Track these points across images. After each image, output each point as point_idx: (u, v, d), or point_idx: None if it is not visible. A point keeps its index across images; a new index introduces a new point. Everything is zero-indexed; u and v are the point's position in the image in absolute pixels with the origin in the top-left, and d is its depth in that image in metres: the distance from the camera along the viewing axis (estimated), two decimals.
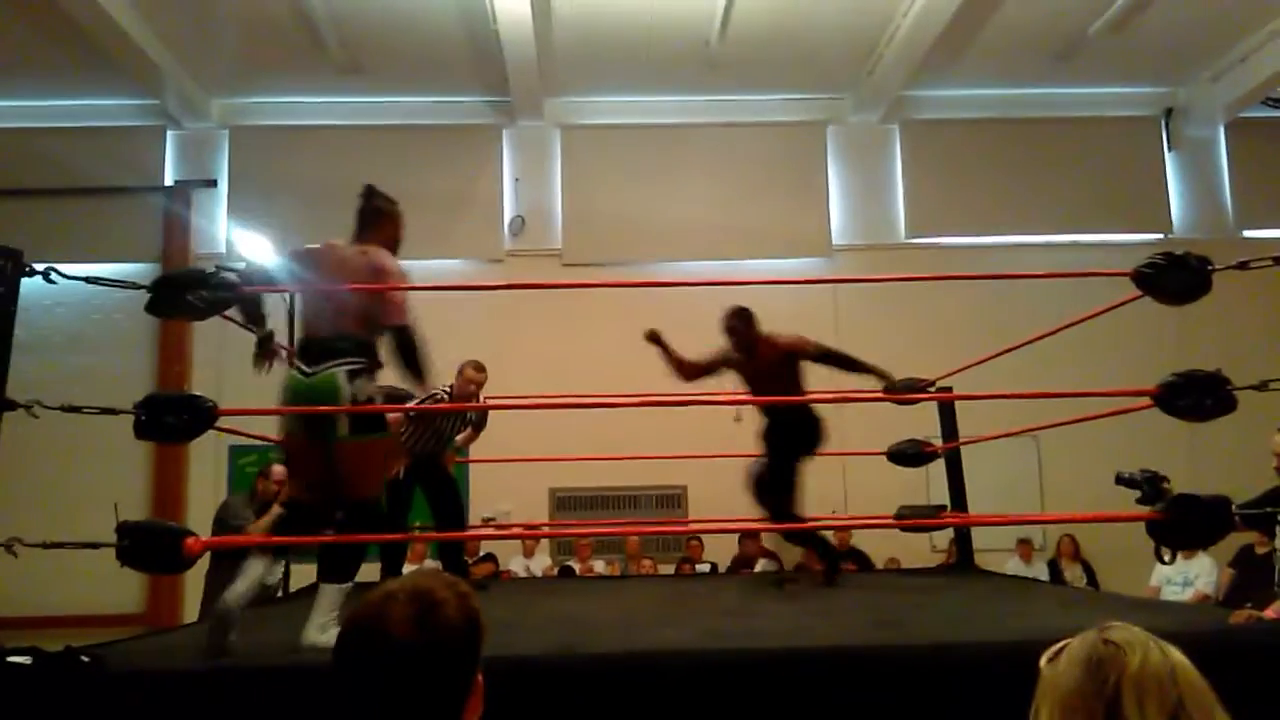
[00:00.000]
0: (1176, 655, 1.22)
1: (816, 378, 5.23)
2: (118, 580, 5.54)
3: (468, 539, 8.72)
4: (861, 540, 8.88)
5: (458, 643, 1.28)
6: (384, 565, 5.30)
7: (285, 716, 2.38)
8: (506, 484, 8.74)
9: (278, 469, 5.47)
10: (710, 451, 6.25)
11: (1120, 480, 3.53)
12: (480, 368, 5.39)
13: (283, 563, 5.59)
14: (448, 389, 5.30)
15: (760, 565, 8.38)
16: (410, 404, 4.87)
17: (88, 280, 3.11)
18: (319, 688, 2.35)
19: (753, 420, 5.31)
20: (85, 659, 2.46)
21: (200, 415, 3.14)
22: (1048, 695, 1.25)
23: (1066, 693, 1.22)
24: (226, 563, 5.27)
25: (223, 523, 6.38)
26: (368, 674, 1.25)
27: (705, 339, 5.11)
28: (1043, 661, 1.29)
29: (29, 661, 2.40)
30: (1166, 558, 3.27)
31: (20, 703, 2.35)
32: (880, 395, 5.11)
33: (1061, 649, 1.28)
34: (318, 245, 3.42)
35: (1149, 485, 3.39)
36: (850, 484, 9.11)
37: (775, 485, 5.09)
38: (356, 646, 1.27)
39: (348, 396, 3.16)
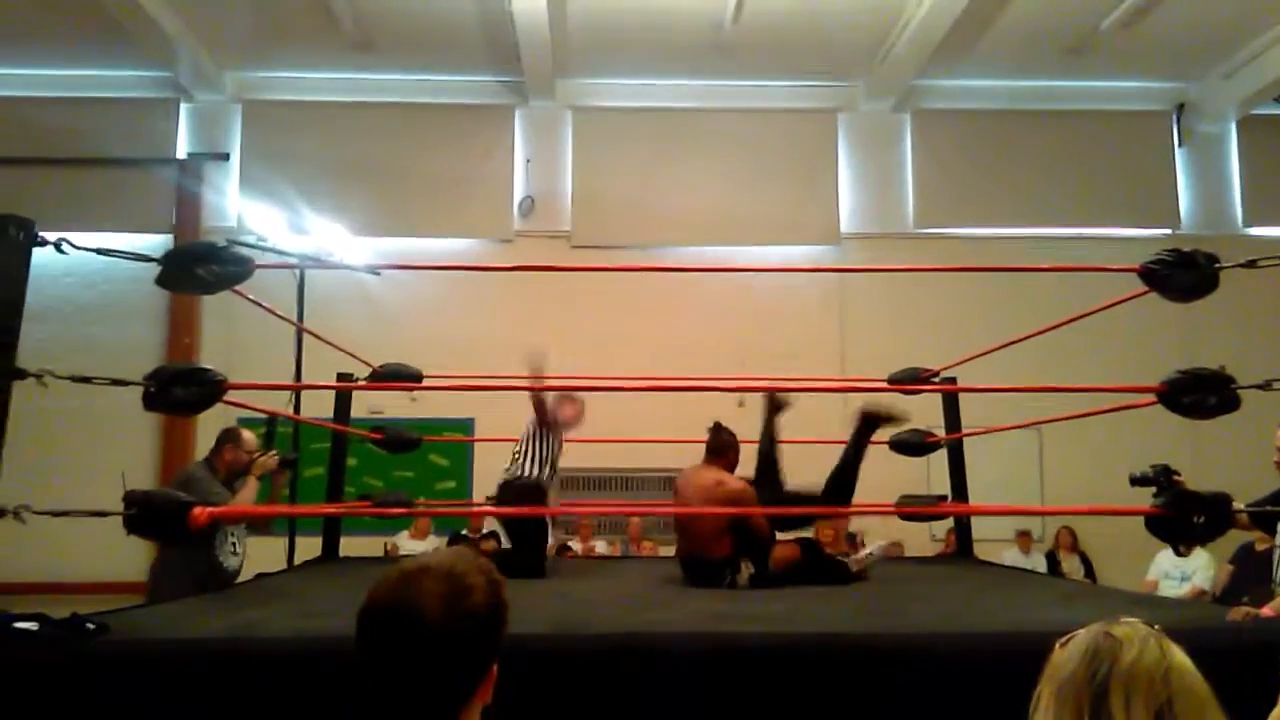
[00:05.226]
0: (1177, 655, 1.22)
1: (818, 370, 5.23)
2: (124, 548, 5.57)
3: (471, 515, 8.78)
4: (862, 528, 8.90)
5: (481, 629, 1.28)
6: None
7: (291, 688, 2.40)
8: None
9: (248, 436, 5.23)
10: None
11: (1135, 481, 3.53)
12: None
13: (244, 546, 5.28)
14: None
15: None
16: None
17: (99, 251, 3.12)
18: (325, 661, 2.38)
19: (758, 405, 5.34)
20: (91, 626, 2.49)
21: (209, 388, 3.16)
22: (1049, 679, 1.27)
23: (1063, 679, 1.24)
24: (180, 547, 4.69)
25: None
26: (389, 647, 1.25)
27: (710, 324, 5.11)
28: (1057, 645, 1.31)
29: (35, 627, 2.42)
30: (1182, 550, 3.29)
31: (26, 668, 2.38)
32: (884, 385, 5.13)
33: (1073, 636, 1.30)
34: None
35: (1163, 479, 3.39)
36: None
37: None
38: (383, 619, 1.27)
39: None
